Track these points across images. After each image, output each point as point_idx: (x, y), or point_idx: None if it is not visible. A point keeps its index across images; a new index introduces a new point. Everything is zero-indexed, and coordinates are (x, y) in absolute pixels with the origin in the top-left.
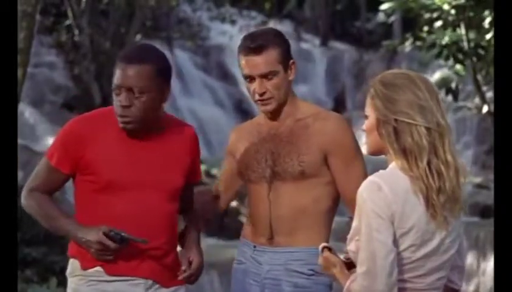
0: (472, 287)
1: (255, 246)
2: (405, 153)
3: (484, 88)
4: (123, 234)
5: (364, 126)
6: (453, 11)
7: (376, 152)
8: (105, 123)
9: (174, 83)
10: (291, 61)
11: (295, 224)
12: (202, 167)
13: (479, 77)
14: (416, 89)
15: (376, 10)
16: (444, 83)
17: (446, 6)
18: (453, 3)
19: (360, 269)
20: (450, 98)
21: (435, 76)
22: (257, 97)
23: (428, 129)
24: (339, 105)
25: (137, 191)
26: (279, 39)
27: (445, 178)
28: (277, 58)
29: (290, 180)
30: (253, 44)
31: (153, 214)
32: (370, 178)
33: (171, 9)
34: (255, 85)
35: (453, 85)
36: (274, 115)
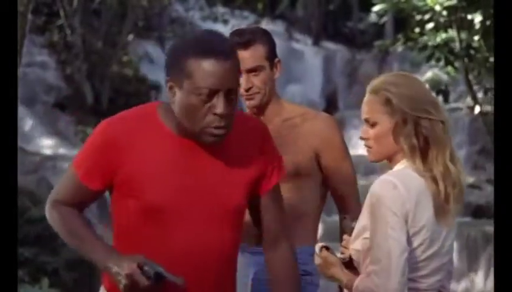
0: (463, 287)
1: (243, 247)
2: (425, 152)
3: (475, 88)
4: (159, 269)
5: (369, 135)
6: (444, 12)
7: (384, 158)
8: (148, 126)
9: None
10: (277, 59)
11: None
12: None
13: (471, 77)
14: (423, 86)
15: (368, 10)
16: (435, 84)
17: (437, 8)
18: (445, 4)
19: (374, 266)
20: (441, 99)
21: (426, 77)
22: (243, 91)
23: (442, 122)
24: (331, 105)
25: (190, 216)
26: (265, 37)
27: (454, 175)
28: (264, 54)
29: (283, 179)
30: (241, 39)
31: (209, 248)
32: (384, 177)
33: (164, 9)
34: (242, 80)
35: (443, 86)
36: (260, 113)
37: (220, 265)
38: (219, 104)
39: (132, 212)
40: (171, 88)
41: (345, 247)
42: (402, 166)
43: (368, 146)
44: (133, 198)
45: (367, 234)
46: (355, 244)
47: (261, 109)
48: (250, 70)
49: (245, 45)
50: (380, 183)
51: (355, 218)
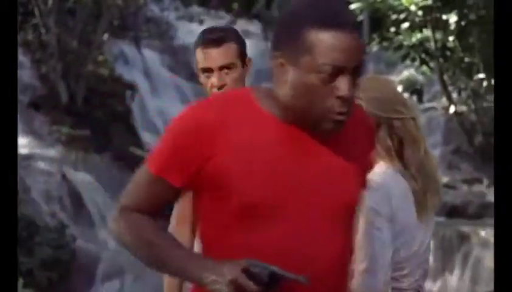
0: (438, 286)
1: None
2: (400, 151)
3: (450, 88)
4: (273, 269)
5: None
6: (420, 12)
7: None
8: (244, 110)
9: (142, 82)
10: (247, 58)
11: None
12: None
13: (445, 78)
14: (390, 86)
15: None
16: (410, 84)
17: (413, 7)
18: (420, 4)
19: (359, 267)
20: (415, 98)
21: (402, 77)
22: (215, 90)
23: (413, 119)
24: None
25: (299, 217)
26: (236, 35)
27: (434, 168)
28: (236, 52)
29: None
30: (213, 36)
31: (321, 254)
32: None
33: (139, 8)
34: (214, 78)
35: (418, 86)
36: None
37: (333, 274)
38: (343, 85)
39: (223, 213)
40: (281, 65)
41: None
42: (382, 166)
43: None
44: (225, 195)
45: None
46: None
47: None
48: (222, 67)
49: (218, 42)
50: None
51: None
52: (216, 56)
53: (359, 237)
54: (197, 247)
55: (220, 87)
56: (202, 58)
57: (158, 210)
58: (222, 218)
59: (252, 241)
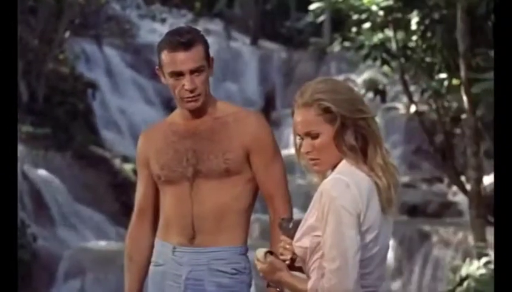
0: (398, 284)
1: (174, 247)
2: (364, 150)
3: (412, 88)
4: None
5: (314, 147)
6: (381, 12)
7: (332, 166)
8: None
9: (103, 80)
10: (211, 57)
11: (217, 222)
12: (131, 166)
13: (407, 78)
14: (350, 87)
15: (305, 9)
16: (372, 85)
17: (374, 8)
18: (382, 4)
19: (330, 265)
20: (378, 99)
21: (364, 77)
22: (187, 94)
23: (373, 119)
24: (268, 104)
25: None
26: (202, 36)
27: (391, 172)
28: (203, 54)
29: (214, 178)
30: (182, 39)
31: None
32: (335, 176)
33: (100, 6)
34: (185, 81)
35: (380, 86)
36: (198, 112)
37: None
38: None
39: None
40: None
41: (285, 249)
42: (347, 165)
43: (315, 159)
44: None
45: (318, 232)
46: (302, 242)
47: (200, 109)
48: (193, 71)
49: (187, 45)
50: (332, 182)
51: (292, 219)
52: (186, 60)
53: (329, 235)
54: (158, 244)
55: (192, 91)
56: (170, 61)
57: None
58: None
59: None
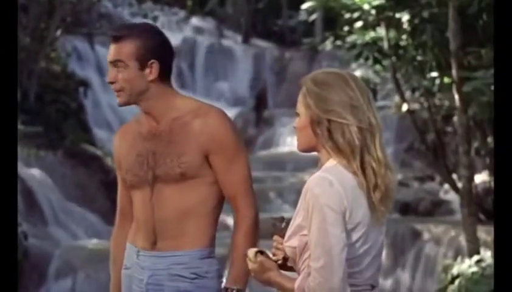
0: (390, 283)
1: (138, 251)
2: (340, 151)
3: (403, 87)
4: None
5: (295, 124)
6: (373, 11)
7: (308, 149)
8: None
9: (95, 78)
10: (151, 61)
11: (179, 227)
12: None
13: (398, 76)
14: (348, 89)
15: (297, 8)
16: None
17: (366, 6)
18: (373, 3)
19: (315, 264)
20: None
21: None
22: (111, 85)
23: (360, 128)
24: (260, 102)
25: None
26: (144, 36)
27: (377, 175)
28: (131, 52)
29: (172, 182)
30: (114, 33)
31: None
32: (318, 174)
33: (92, 4)
34: (108, 73)
35: (372, 85)
36: (150, 112)
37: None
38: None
39: None
40: None
41: (277, 249)
42: (333, 163)
43: (297, 137)
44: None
45: (305, 231)
46: (291, 242)
47: (148, 110)
48: (112, 63)
49: (115, 39)
50: (316, 180)
51: (284, 218)
52: (111, 51)
53: (313, 234)
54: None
55: (111, 83)
56: None
57: None
58: None
59: None
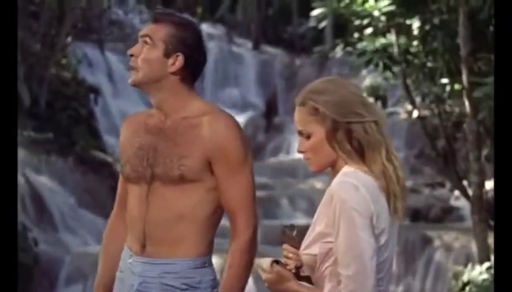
0: (401, 289)
1: (131, 255)
2: (362, 154)
3: (413, 93)
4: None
5: (304, 148)
6: (383, 18)
7: (327, 166)
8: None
9: (105, 85)
10: (178, 53)
11: (172, 232)
12: None
13: (409, 83)
14: (350, 88)
15: (307, 15)
16: (374, 90)
17: (376, 13)
18: (384, 10)
19: (346, 271)
20: (379, 104)
21: (366, 82)
22: (131, 58)
23: (376, 122)
24: (270, 109)
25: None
26: (180, 26)
27: (399, 176)
28: (164, 34)
29: (170, 183)
30: (156, 12)
31: None
32: (343, 179)
33: (103, 11)
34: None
35: (382, 92)
36: (160, 106)
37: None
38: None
39: None
40: None
41: (289, 258)
42: (351, 169)
43: (307, 159)
44: None
45: (328, 238)
46: (311, 249)
47: (158, 102)
48: (141, 37)
49: (155, 18)
50: (341, 186)
51: (295, 226)
52: (146, 28)
53: (342, 240)
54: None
55: (131, 55)
56: None
57: None
58: None
59: None
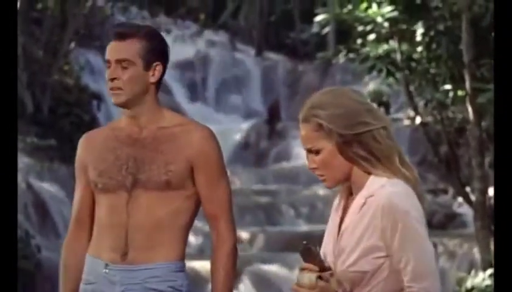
0: None
1: (106, 264)
2: (380, 160)
3: (416, 100)
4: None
5: (315, 164)
6: (386, 24)
7: (341, 181)
8: None
9: (108, 91)
10: (156, 63)
11: (153, 237)
12: None
13: (411, 89)
14: (354, 96)
15: (310, 21)
16: (376, 96)
17: (379, 19)
18: (387, 15)
19: (419, 284)
20: (382, 110)
21: (368, 88)
22: (109, 83)
23: (384, 128)
24: (273, 115)
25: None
26: (150, 37)
27: (413, 170)
28: (139, 51)
29: (154, 189)
30: (119, 29)
31: None
32: (395, 189)
33: (105, 18)
34: (109, 70)
35: (385, 98)
36: (135, 118)
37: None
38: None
39: None
40: None
41: (310, 277)
42: (382, 177)
43: (321, 175)
44: None
45: (380, 253)
46: (358, 266)
47: (135, 114)
48: (118, 61)
49: (121, 36)
50: (397, 196)
51: (315, 245)
52: (114, 49)
53: (411, 252)
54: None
55: (112, 80)
56: (107, 50)
57: None
58: None
59: None
